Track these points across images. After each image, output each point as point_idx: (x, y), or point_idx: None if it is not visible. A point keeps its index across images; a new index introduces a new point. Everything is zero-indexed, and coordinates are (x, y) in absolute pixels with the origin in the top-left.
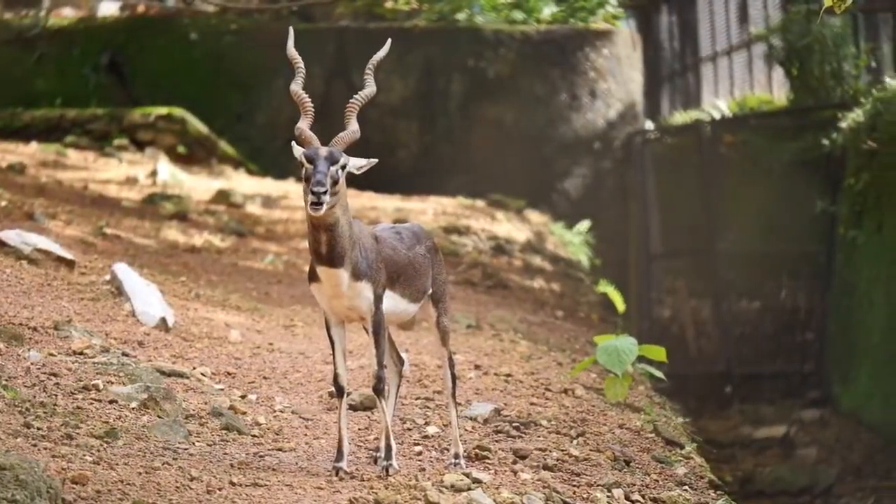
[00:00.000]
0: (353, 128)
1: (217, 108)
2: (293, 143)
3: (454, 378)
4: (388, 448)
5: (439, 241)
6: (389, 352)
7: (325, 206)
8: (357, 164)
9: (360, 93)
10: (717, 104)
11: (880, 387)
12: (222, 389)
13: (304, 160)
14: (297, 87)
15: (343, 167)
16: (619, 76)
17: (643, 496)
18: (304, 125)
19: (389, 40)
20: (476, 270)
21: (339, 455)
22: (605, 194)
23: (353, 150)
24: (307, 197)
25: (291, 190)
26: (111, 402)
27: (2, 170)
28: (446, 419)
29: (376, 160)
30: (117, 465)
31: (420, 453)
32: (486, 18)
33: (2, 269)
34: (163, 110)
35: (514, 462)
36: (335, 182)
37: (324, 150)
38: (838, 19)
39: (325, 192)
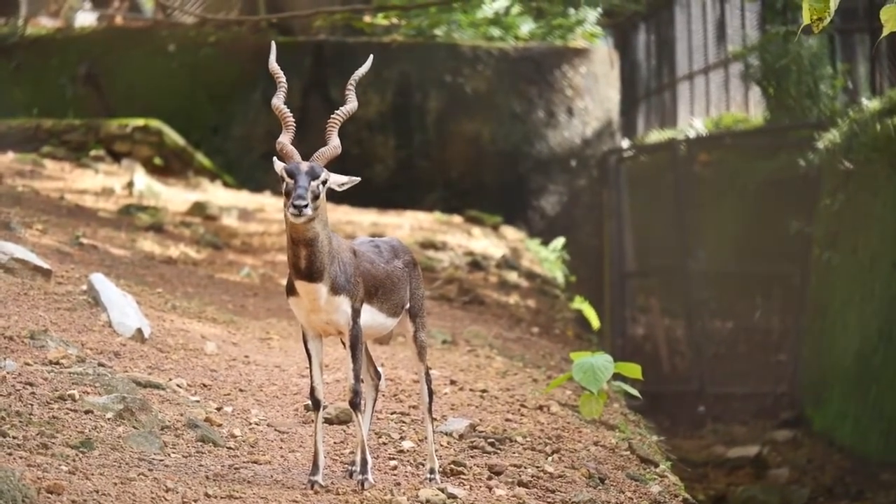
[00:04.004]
0: (334, 143)
1: (194, 121)
2: (274, 157)
3: (430, 393)
4: (364, 462)
5: (415, 257)
6: (366, 366)
7: (305, 217)
8: (338, 181)
9: (341, 108)
10: (692, 123)
11: (852, 408)
12: (198, 401)
13: (284, 175)
14: (278, 101)
15: (324, 182)
16: (596, 94)
17: None
18: (285, 139)
19: (371, 56)
20: (452, 286)
21: (315, 468)
22: (581, 212)
23: (331, 163)
24: (287, 211)
25: (268, 203)
26: (87, 412)
27: None
28: (422, 434)
29: (358, 179)
30: (93, 475)
31: (395, 468)
32: (463, 34)
33: None
34: (139, 122)
35: (489, 478)
36: (316, 197)
37: (305, 165)
38: (815, 40)
39: (305, 206)
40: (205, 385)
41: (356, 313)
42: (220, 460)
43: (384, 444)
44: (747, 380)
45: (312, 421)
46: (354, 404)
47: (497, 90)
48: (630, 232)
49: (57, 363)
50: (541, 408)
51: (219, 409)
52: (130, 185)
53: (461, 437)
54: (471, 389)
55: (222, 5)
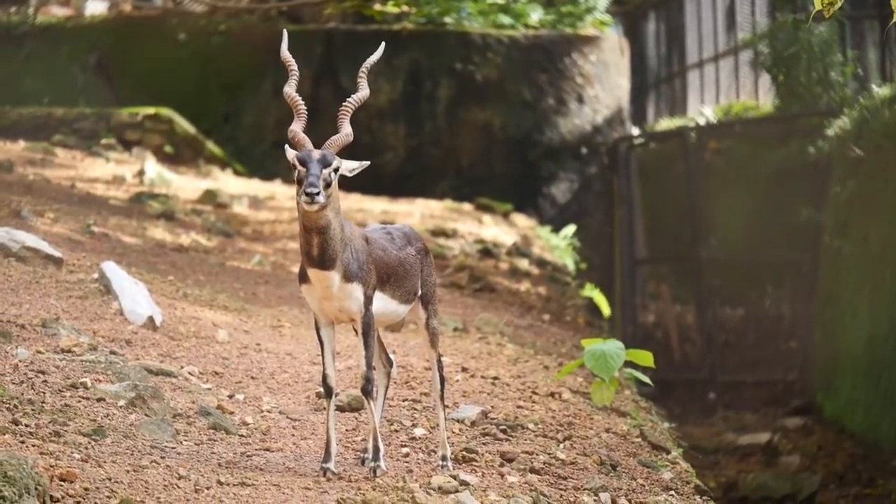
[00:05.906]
0: (346, 131)
1: (204, 109)
2: (286, 145)
3: (442, 380)
4: (376, 449)
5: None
6: (378, 353)
7: (318, 204)
8: (349, 167)
9: (353, 96)
10: (702, 110)
11: (863, 396)
12: (210, 389)
13: (296, 163)
14: (290, 89)
15: (336, 170)
16: (606, 82)
17: (629, 500)
18: (297, 127)
19: (383, 44)
20: (463, 273)
21: (327, 456)
22: (591, 199)
23: (342, 152)
24: (300, 198)
25: (278, 191)
26: (99, 400)
27: None
28: (434, 421)
29: (368, 162)
30: (105, 462)
31: (407, 455)
32: (473, 22)
33: None
34: (150, 110)
35: (501, 465)
36: (328, 185)
37: (317, 153)
38: (825, 27)
39: (318, 194)
40: (217, 373)
41: (368, 300)
42: (233, 448)
43: (396, 431)
44: (758, 367)
45: (324, 408)
46: (366, 391)
47: (507, 78)
48: (640, 219)
49: (69, 351)
50: (552, 395)
51: (231, 396)
52: (141, 173)
53: (473, 424)
54: (482, 377)
55: None
